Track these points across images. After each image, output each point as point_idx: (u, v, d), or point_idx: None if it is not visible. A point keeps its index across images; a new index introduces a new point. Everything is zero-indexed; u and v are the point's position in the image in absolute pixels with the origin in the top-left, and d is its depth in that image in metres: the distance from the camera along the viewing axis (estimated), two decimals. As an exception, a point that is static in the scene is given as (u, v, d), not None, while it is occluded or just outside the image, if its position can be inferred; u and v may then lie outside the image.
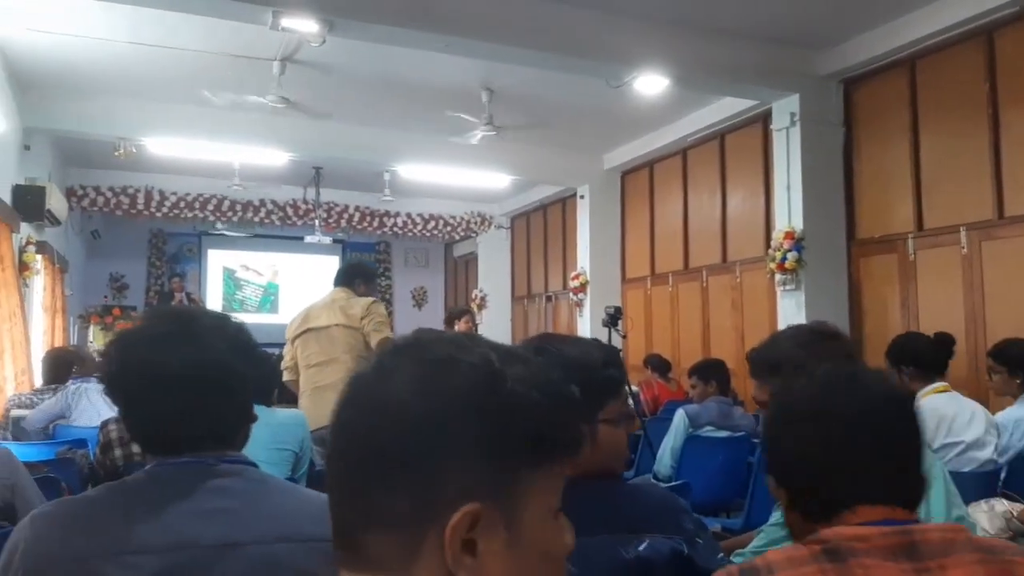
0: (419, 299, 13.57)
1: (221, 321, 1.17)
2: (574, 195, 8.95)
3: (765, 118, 6.39)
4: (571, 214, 9.27)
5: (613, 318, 4.94)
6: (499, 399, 0.61)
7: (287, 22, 4.43)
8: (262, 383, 2.71)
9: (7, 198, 5.67)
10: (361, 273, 4.12)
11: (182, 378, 1.09)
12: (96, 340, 8.20)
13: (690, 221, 7.61)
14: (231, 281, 12.52)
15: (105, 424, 2.93)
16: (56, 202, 6.64)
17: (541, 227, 10.39)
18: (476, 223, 11.00)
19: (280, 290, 12.53)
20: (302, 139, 7.37)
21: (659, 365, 6.71)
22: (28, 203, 5.97)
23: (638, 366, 7.13)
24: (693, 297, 7.43)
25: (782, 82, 5.75)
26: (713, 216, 7.21)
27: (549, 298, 10.10)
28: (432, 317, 13.01)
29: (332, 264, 12.68)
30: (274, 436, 2.53)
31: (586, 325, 8.32)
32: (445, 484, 0.59)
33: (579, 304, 8.54)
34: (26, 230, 6.32)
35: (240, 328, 1.18)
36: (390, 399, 0.61)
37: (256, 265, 12.66)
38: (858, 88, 5.87)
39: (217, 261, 12.47)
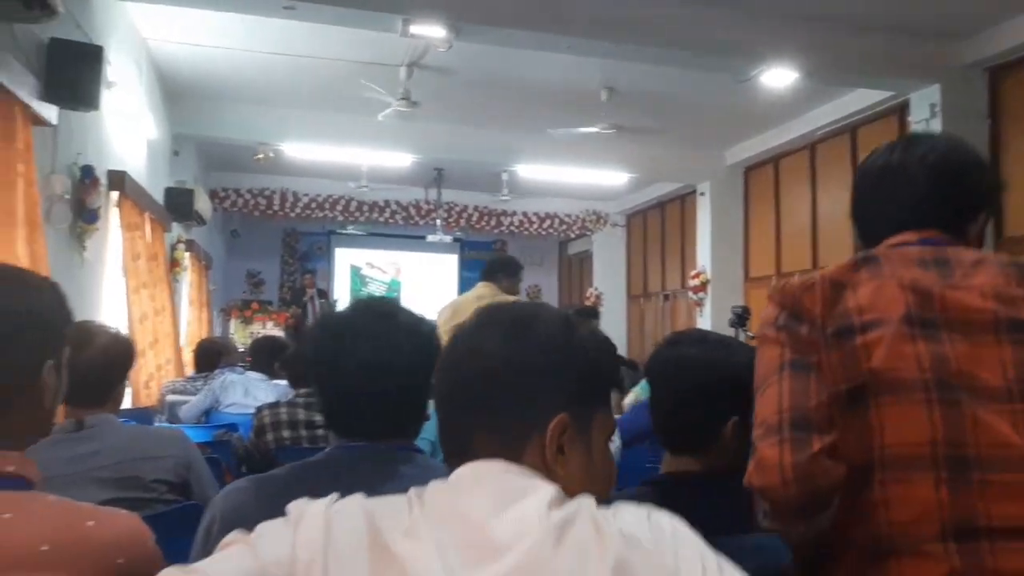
0: (533, 297, 13.65)
1: (417, 323, 1.26)
2: (693, 192, 8.77)
3: (902, 110, 6.05)
4: (690, 211, 9.10)
5: (741, 318, 4.81)
6: (574, 344, 0.85)
7: (416, 29, 4.58)
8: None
9: (160, 200, 6.14)
10: (503, 267, 4.20)
11: (372, 369, 1.18)
12: (236, 332, 8.76)
13: (819, 218, 7.31)
14: (357, 278, 13.05)
15: (259, 410, 3.14)
16: (202, 204, 7.13)
17: (658, 224, 10.25)
18: (591, 221, 10.98)
19: (402, 287, 12.95)
20: (425, 141, 7.59)
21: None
22: (178, 205, 6.43)
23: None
24: (821, 297, 7.12)
25: (921, 72, 5.43)
26: (843, 213, 6.88)
27: (667, 297, 9.96)
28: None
29: (451, 262, 13.02)
30: (425, 428, 2.66)
31: (706, 324, 8.14)
32: (542, 403, 0.82)
33: (699, 303, 8.37)
34: (176, 230, 6.82)
35: (432, 331, 1.26)
36: (493, 344, 0.84)
37: (380, 263, 13.15)
38: (1005, 77, 5.46)
39: (344, 259, 13.03)
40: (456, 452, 0.84)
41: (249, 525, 1.07)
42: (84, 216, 3.89)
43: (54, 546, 0.94)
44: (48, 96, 3.30)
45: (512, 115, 7.29)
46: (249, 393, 4.42)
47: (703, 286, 8.26)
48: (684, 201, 9.44)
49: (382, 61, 5.95)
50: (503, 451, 0.81)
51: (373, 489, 1.13)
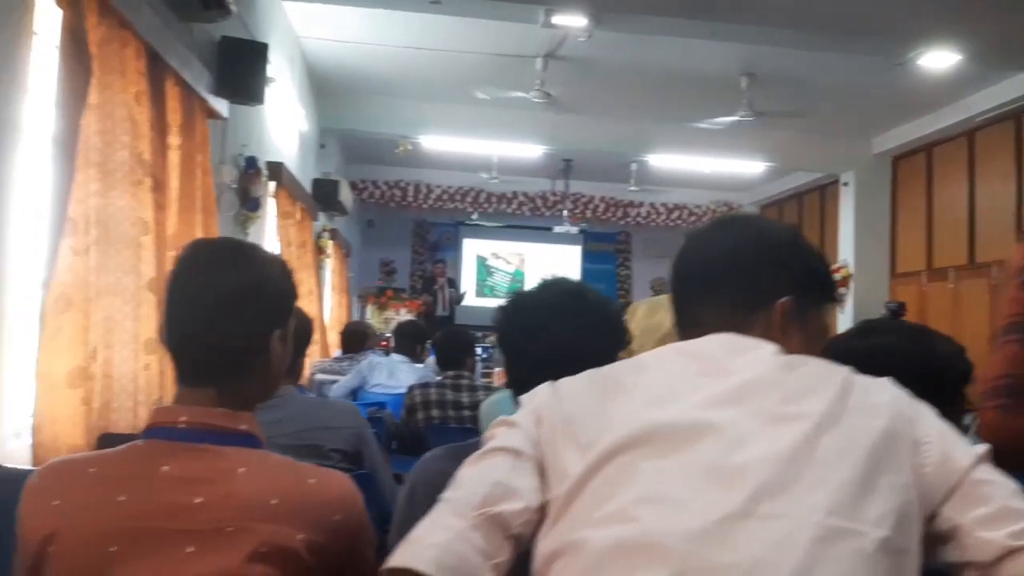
0: (658, 290, 13.45)
1: (605, 304, 1.31)
2: (834, 182, 8.37)
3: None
4: (831, 202, 8.69)
5: (896, 314, 4.55)
6: (800, 246, 1.02)
7: (557, 19, 4.59)
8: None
9: (308, 190, 6.47)
10: None
11: (564, 347, 1.22)
12: (372, 317, 9.11)
13: (977, 210, 6.79)
14: (483, 268, 13.28)
15: (411, 390, 3.28)
16: (345, 194, 7.46)
17: (795, 216, 9.83)
18: (722, 213, 10.71)
19: (525, 278, 13.08)
20: (557, 133, 7.62)
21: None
22: (324, 195, 6.76)
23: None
24: (979, 295, 6.63)
25: (1108, 48, 4.95)
26: (1006, 206, 6.38)
27: (802, 292, 9.57)
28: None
29: (574, 253, 13.01)
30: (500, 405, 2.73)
31: (847, 322, 7.77)
32: (767, 286, 0.97)
33: (839, 300, 8.00)
34: (322, 219, 7.18)
35: (618, 313, 1.32)
36: (727, 239, 1.02)
37: (505, 253, 13.33)
38: None
39: (471, 249, 13.27)
40: (690, 324, 0.98)
41: (439, 482, 1.14)
42: (248, 204, 4.16)
43: (283, 500, 1.02)
44: (220, 91, 3.54)
45: (646, 104, 7.19)
46: (393, 375, 4.60)
47: (844, 281, 7.88)
48: (824, 192, 9.04)
49: (519, 53, 6.01)
50: (732, 323, 0.94)
51: None
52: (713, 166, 8.29)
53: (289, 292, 1.14)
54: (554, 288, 1.31)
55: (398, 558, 0.77)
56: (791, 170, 8.97)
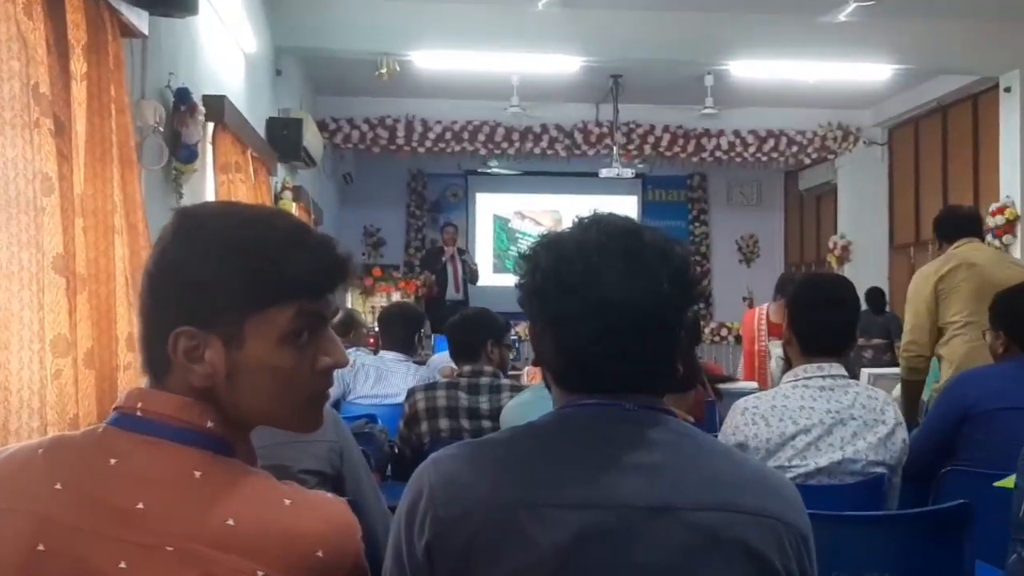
0: (748, 250, 13.45)
1: (665, 244, 1.32)
2: (994, 88, 8.32)
3: None
4: (987, 117, 8.63)
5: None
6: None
7: None
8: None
9: (262, 132, 6.50)
10: None
11: (618, 303, 1.25)
12: (355, 305, 9.19)
13: None
14: (503, 232, 13.35)
15: (412, 394, 3.33)
16: (312, 138, 7.50)
17: (938, 139, 9.77)
18: (835, 139, 10.63)
19: (565, 243, 13.11)
20: (600, 37, 7.58)
21: None
22: (283, 140, 6.77)
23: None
24: None
25: None
26: None
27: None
28: (765, 275, 12.80)
29: (629, 206, 13.01)
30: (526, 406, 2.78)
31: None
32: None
33: (1004, 248, 7.91)
34: (281, 172, 7.22)
35: (687, 256, 1.33)
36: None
37: (533, 211, 13.36)
38: None
39: (487, 207, 13.35)
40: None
41: (466, 499, 1.18)
42: (179, 153, 4.22)
43: (243, 521, 1.05)
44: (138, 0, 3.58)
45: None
46: (383, 379, 4.66)
47: (1011, 224, 7.83)
48: (978, 102, 8.99)
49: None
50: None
51: (618, 458, 1.22)
52: (821, 74, 8.24)
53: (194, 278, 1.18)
54: (598, 227, 1.32)
55: None
56: (931, 74, 8.88)
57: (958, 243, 4.32)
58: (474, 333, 3.57)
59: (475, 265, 11.04)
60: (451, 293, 10.49)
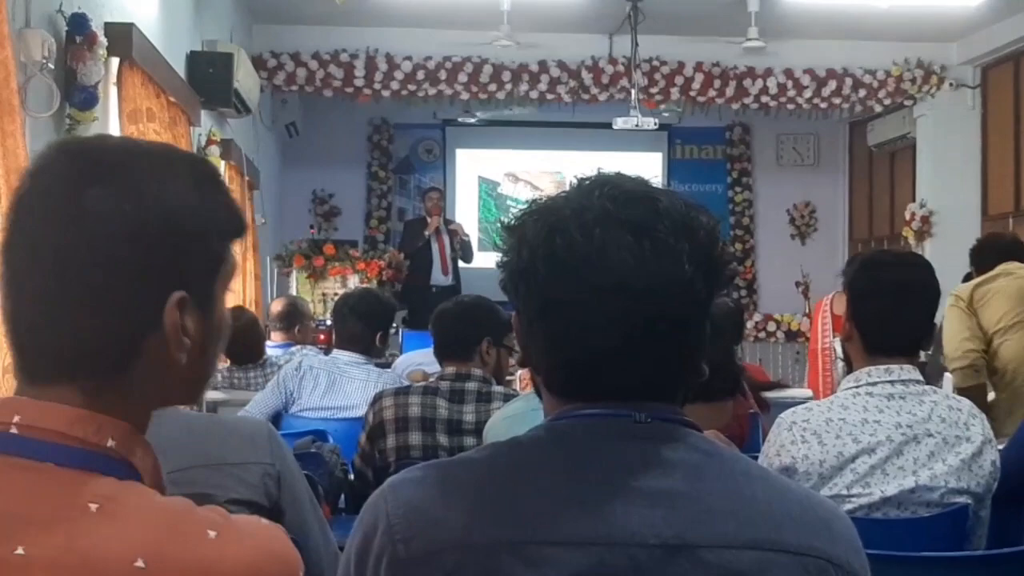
0: (802, 222, 13.44)
1: (687, 213, 1.31)
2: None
3: None
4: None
5: None
6: None
7: None
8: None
9: (182, 73, 6.49)
10: None
11: (618, 288, 1.24)
12: (301, 292, 9.17)
13: None
14: (490, 199, 13.34)
15: (379, 399, 3.34)
16: (245, 77, 7.49)
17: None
18: (913, 81, 10.61)
19: (570, 212, 13.12)
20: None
21: None
22: (209, 80, 6.75)
23: None
24: None
25: None
26: None
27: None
28: (824, 254, 12.81)
29: (652, 164, 13.00)
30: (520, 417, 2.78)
31: None
32: None
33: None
34: (207, 122, 7.20)
35: (714, 230, 1.32)
36: None
37: (530, 173, 13.34)
38: None
39: (469, 167, 13.31)
40: None
41: (433, 536, 1.19)
42: (75, 97, 4.21)
43: (153, 562, 1.06)
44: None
45: None
46: (335, 387, 4.68)
47: None
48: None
49: None
50: None
51: (625, 484, 1.22)
52: (892, -2, 8.26)
53: (189, 231, 1.17)
54: (600, 192, 1.31)
55: None
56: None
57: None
58: (470, 326, 3.58)
59: (467, 236, 10.98)
60: (437, 276, 10.46)
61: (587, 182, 1.34)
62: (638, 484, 1.23)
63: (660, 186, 1.37)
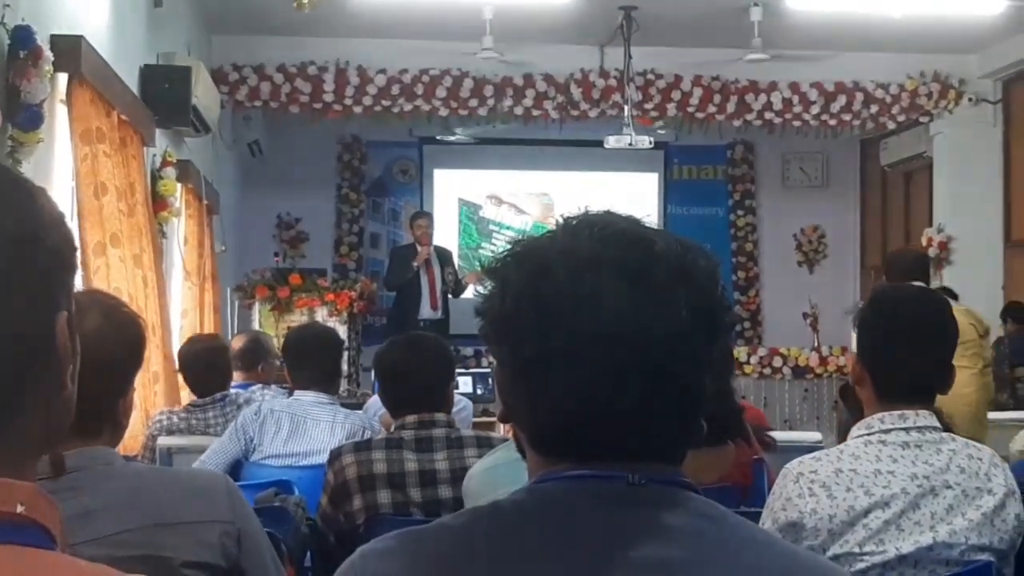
0: (810, 248, 13.48)
1: (685, 255, 1.29)
2: None
3: None
4: None
5: None
6: None
7: None
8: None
9: (135, 89, 6.49)
10: None
11: (612, 339, 1.23)
12: (265, 327, 9.17)
13: None
14: (471, 223, 13.35)
15: (337, 456, 3.33)
16: (204, 92, 7.50)
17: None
18: (929, 96, 10.68)
19: (559, 238, 13.14)
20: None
21: None
22: (165, 96, 6.75)
23: None
24: None
25: None
26: None
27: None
28: (834, 283, 12.84)
29: (647, 187, 13.03)
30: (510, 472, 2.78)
31: None
32: None
33: None
34: (162, 142, 7.20)
35: (714, 274, 1.32)
36: None
37: (515, 194, 13.36)
38: None
39: (449, 189, 13.33)
40: None
41: None
42: (18, 117, 4.20)
43: None
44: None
45: None
46: (299, 431, 4.67)
47: None
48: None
49: None
50: None
51: (620, 555, 1.22)
52: (911, 6, 8.30)
53: (69, 243, 1.14)
54: (589, 232, 1.30)
55: None
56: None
57: None
58: (442, 376, 3.59)
59: (459, 270, 11.04)
60: (426, 310, 10.47)
61: (574, 221, 1.33)
62: (634, 554, 1.22)
63: (654, 226, 1.36)
